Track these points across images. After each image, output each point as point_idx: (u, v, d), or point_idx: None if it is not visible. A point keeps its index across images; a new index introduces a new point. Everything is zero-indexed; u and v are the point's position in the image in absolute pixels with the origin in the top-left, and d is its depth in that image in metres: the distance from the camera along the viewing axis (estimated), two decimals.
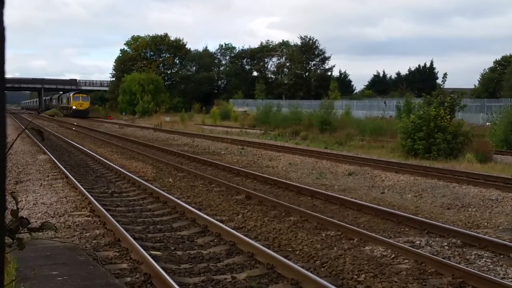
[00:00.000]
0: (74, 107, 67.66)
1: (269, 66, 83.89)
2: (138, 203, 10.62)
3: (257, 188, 12.55)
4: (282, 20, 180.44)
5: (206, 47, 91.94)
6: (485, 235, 7.90)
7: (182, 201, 10.31)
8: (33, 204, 10.16)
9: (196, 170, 15.28)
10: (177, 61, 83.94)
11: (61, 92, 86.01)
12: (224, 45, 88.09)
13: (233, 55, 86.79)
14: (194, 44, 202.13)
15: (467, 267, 6.29)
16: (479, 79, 62.25)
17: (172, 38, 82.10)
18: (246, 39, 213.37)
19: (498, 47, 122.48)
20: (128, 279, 5.92)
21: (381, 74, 79.60)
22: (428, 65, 73.42)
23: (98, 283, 5.42)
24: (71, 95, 70.19)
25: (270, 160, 18.78)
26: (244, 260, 6.69)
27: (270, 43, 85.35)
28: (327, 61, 76.45)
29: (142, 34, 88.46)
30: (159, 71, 78.08)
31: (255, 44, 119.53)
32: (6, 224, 2.05)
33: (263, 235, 8.12)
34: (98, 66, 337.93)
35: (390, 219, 9.08)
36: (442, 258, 6.67)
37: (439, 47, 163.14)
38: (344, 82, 75.24)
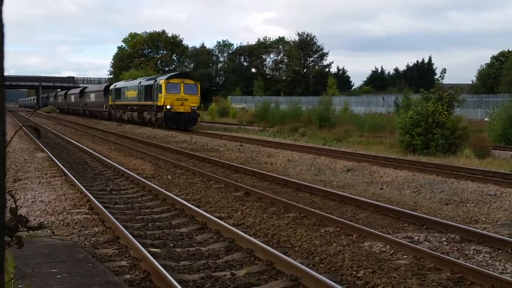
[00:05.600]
0: (168, 107, 33.43)
1: (267, 63, 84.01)
2: (137, 201, 10.61)
3: (255, 184, 12.55)
4: (277, 16, 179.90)
5: (203, 44, 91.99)
6: (483, 230, 7.91)
7: (181, 198, 10.30)
8: (32, 202, 10.15)
9: (194, 167, 15.28)
10: (175, 58, 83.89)
11: (114, 82, 54.46)
12: (221, 42, 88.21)
13: (230, 51, 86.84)
14: (189, 41, 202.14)
15: (465, 262, 6.30)
16: (477, 75, 62.37)
17: (169, 35, 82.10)
18: (242, 35, 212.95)
19: (496, 42, 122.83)
20: (128, 276, 5.92)
21: (379, 70, 79.70)
22: (426, 60, 73.53)
23: (97, 280, 5.42)
24: (161, 81, 34.26)
25: (268, 156, 18.77)
26: (243, 257, 6.69)
27: (267, 40, 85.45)
28: (325, 57, 76.65)
29: (136, 31, 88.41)
30: (157, 68, 78.01)
31: (252, 41, 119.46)
32: (5, 223, 2.04)
33: (262, 231, 8.13)
34: (93, 63, 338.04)
35: (389, 215, 9.10)
36: (441, 253, 6.68)
37: (437, 43, 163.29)
38: (342, 78, 75.37)
